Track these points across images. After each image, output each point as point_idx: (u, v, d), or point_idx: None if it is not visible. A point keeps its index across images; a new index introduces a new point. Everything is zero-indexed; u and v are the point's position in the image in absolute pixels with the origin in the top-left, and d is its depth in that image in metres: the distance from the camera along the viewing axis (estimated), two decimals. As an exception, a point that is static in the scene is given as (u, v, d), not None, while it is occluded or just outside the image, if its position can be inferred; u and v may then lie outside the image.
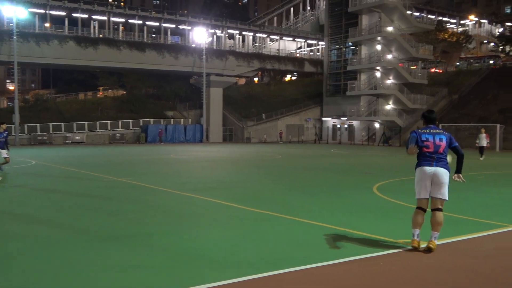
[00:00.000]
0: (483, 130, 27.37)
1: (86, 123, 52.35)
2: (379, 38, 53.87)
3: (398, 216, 9.12)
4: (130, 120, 54.85)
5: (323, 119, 63.26)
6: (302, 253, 6.43)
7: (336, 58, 62.74)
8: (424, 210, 6.65)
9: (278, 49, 67.84)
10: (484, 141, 26.74)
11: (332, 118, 61.71)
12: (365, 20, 55.94)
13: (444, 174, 6.49)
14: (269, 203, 10.62)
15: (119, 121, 54.19)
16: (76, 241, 7.04)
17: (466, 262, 6.14)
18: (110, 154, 30.44)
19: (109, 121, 53.70)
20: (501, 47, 67.88)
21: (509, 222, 8.55)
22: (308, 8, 76.09)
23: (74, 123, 51.69)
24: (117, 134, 52.69)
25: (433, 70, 67.45)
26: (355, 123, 58.19)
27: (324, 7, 67.74)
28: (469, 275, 5.59)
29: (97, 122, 53.04)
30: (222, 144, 51.21)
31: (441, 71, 67.88)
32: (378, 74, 55.30)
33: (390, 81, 54.97)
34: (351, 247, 6.75)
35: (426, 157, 6.56)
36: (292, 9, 77.75)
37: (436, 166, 6.49)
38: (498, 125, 40.85)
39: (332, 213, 9.54)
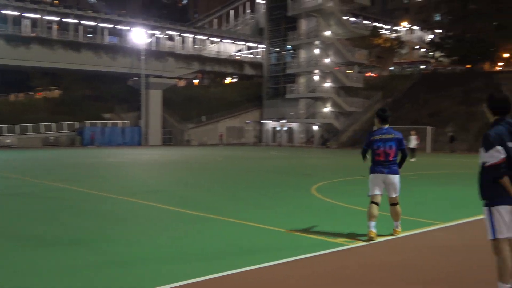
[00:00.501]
0: (412, 132, 28.51)
1: (17, 125, 49.90)
2: (317, 42, 55.00)
3: (335, 216, 9.29)
4: (65, 123, 52.85)
5: (263, 121, 63.73)
6: (239, 256, 6.37)
7: (275, 61, 63.46)
8: (378, 204, 7.36)
9: (218, 51, 67.67)
10: (413, 142, 27.81)
11: (272, 121, 62.30)
12: (304, 24, 56.95)
13: (394, 178, 7.36)
14: (210, 206, 10.53)
15: (53, 124, 52.08)
16: (9, 247, 6.65)
17: (398, 258, 6.33)
18: (44, 158, 29.21)
19: (42, 124, 51.48)
20: (432, 53, 71.44)
21: (440, 220, 8.92)
22: (248, 11, 76.47)
23: (5, 126, 49.14)
24: (51, 137, 50.62)
25: (368, 74, 69.76)
26: (294, 125, 59.04)
27: (263, 10, 68.35)
28: (399, 272, 5.75)
29: (30, 124, 50.70)
30: (161, 147, 50.43)
31: (376, 75, 70.37)
32: (316, 78, 56.47)
33: (328, 84, 56.28)
34: (288, 248, 6.77)
35: (377, 165, 7.37)
36: (232, 11, 77.86)
37: (388, 173, 7.32)
38: (429, 128, 42.83)
39: (271, 214, 9.57)
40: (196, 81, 79.98)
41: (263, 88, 64.31)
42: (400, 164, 7.47)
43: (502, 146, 4.36)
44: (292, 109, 56.95)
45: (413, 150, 27.62)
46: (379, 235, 7.38)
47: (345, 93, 55.85)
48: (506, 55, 66.72)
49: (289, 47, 59.92)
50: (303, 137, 57.43)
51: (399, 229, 7.70)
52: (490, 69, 62.69)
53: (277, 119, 61.01)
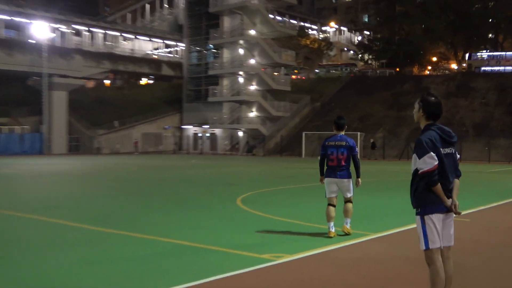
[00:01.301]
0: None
1: None
2: (241, 41, 55.47)
3: (263, 229, 9.32)
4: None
5: (183, 127, 63.20)
6: (155, 277, 6.19)
7: (196, 61, 63.25)
8: (334, 206, 8.71)
9: (133, 49, 66.41)
10: None
11: (193, 126, 61.91)
12: (226, 22, 57.25)
13: (346, 181, 8.61)
14: (123, 222, 10.20)
15: None
16: None
17: (331, 272, 6.43)
18: None
19: None
20: (360, 55, 74.42)
21: (372, 230, 9.20)
22: (166, 6, 75.66)
23: None
24: None
25: (294, 77, 71.36)
26: (217, 131, 59.06)
27: (183, 5, 67.96)
28: (332, 285, 5.83)
29: None
30: (67, 156, 48.51)
31: (304, 78, 72.14)
32: (241, 80, 56.89)
33: (253, 87, 56.85)
34: (211, 265, 6.67)
35: (331, 170, 8.61)
36: (148, 6, 76.72)
37: (340, 177, 8.56)
38: (359, 133, 44.45)
39: (193, 228, 9.44)
40: (107, 82, 77.87)
41: (183, 90, 63.85)
42: (357, 172, 8.66)
43: (435, 152, 4.49)
44: (215, 114, 56.96)
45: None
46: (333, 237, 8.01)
47: (271, 97, 56.72)
48: (434, 59, 71.10)
49: (211, 46, 59.96)
50: (227, 144, 57.55)
51: (348, 226, 8.75)
52: (419, 73, 66.48)
53: (199, 125, 60.72)
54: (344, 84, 62.75)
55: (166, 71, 67.80)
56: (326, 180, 8.72)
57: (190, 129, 62.59)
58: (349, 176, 8.62)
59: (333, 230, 8.58)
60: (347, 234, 8.69)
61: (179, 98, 64.48)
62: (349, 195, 8.70)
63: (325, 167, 8.71)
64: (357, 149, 25.39)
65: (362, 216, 10.79)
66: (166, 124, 62.54)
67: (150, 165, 32.75)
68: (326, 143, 8.66)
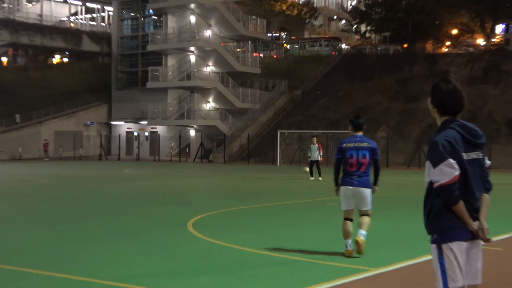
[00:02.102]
0: (314, 139, 30.08)
1: None
2: (192, 5, 55.44)
3: (222, 264, 9.28)
4: None
5: (112, 123, 62.70)
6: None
7: (130, 32, 62.96)
8: (351, 220, 9.62)
9: (41, 15, 65.57)
10: (315, 153, 29.35)
11: (126, 122, 61.50)
12: (172, -22, 57.25)
13: (364, 192, 9.51)
14: (25, 255, 10.05)
15: None
16: None
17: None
18: None
19: None
20: (355, 26, 74.93)
21: (370, 264, 9.25)
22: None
23: None
24: None
25: (264, 55, 71.47)
26: (160, 129, 59.03)
27: (112, -45, 67.52)
28: None
29: None
30: None
31: (277, 56, 72.27)
32: (192, 58, 56.80)
33: (209, 68, 56.83)
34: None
35: (348, 176, 9.54)
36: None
37: (358, 185, 9.46)
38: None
39: (123, 264, 9.37)
40: (4, 60, 76.59)
41: (112, 72, 63.40)
42: (376, 178, 9.78)
43: (455, 159, 4.41)
44: (156, 105, 56.69)
45: (316, 164, 29.22)
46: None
47: (235, 82, 56.84)
48: (454, 31, 71.57)
49: (150, 11, 59.68)
50: (174, 146, 57.30)
51: (362, 237, 9.55)
52: (434, 51, 67.13)
53: (134, 120, 60.29)
54: (333, 66, 63.27)
55: (88, 45, 67.18)
56: (342, 188, 9.62)
57: (122, 127, 62.07)
58: (370, 185, 9.59)
59: (350, 248, 9.54)
60: (357, 244, 9.52)
61: (107, 84, 64.07)
62: (365, 208, 9.64)
63: (341, 174, 9.69)
64: (319, 153, 26.03)
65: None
66: (88, 119, 62.01)
67: (66, 176, 32.39)
68: (343, 145, 9.64)
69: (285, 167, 44.63)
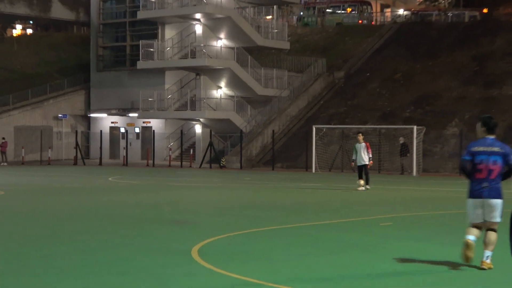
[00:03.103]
0: (360, 136, 29.72)
1: None
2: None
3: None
4: None
5: (91, 116, 62.84)
6: None
7: (116, -5, 63.07)
8: (476, 236, 10.78)
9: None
10: (364, 155, 29.07)
11: (110, 115, 61.61)
12: None
13: (495, 203, 10.61)
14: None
15: None
16: None
17: None
18: None
19: None
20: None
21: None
22: None
23: None
24: None
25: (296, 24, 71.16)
26: (156, 124, 59.26)
27: None
28: None
29: None
30: None
31: (315, 26, 71.94)
32: (198, 29, 56.66)
33: (221, 42, 56.70)
34: None
35: (476, 185, 10.71)
36: None
37: (487, 197, 10.60)
38: (415, 127, 44.42)
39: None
40: None
41: (92, 48, 63.52)
42: (504, 177, 10.77)
43: None
44: (150, 92, 56.77)
45: (364, 169, 29.01)
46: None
47: (255, 61, 56.77)
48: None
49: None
50: (174, 147, 57.26)
51: (488, 261, 10.63)
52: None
53: (121, 112, 60.39)
54: (387, 38, 62.88)
55: (59, 12, 67.45)
56: (468, 201, 10.82)
57: (105, 121, 62.17)
58: (501, 195, 10.66)
59: (488, 260, 10.73)
60: (483, 269, 10.65)
61: (84, 63, 64.31)
62: (493, 220, 10.68)
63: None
64: (368, 155, 26.23)
65: (416, 283, 10.68)
66: (60, 111, 62.21)
67: (30, 187, 32.35)
68: (473, 148, 10.79)
69: (322, 174, 44.41)
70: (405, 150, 44.75)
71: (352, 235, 16.14)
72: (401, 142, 45.17)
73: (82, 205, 23.92)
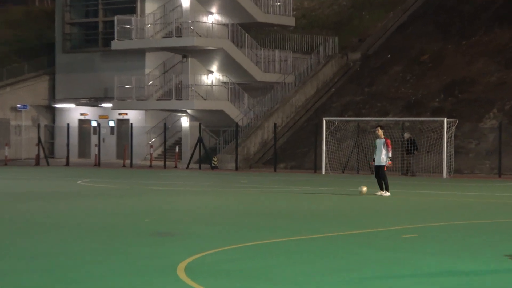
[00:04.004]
0: (379, 130, 29.71)
1: None
2: None
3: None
4: None
5: (57, 106, 62.79)
6: None
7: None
8: None
9: None
10: (382, 153, 29.07)
11: (79, 105, 61.55)
12: None
13: None
14: None
15: None
16: None
17: None
18: None
19: None
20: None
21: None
22: None
23: None
24: None
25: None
26: (134, 116, 59.45)
27: None
28: None
29: None
30: None
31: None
32: (185, 2, 56.51)
33: (213, 18, 56.62)
34: None
35: None
36: None
37: None
38: (445, 119, 44.39)
39: None
40: None
41: (56, 25, 63.56)
42: None
43: None
44: (127, 78, 56.75)
45: (380, 171, 29.13)
46: None
47: (254, 41, 56.87)
48: None
49: None
50: (157, 144, 57.19)
51: None
52: None
53: (92, 102, 60.35)
54: (412, 13, 62.71)
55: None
56: None
57: (73, 112, 62.18)
58: None
59: None
60: None
61: (48, 44, 64.32)
62: None
63: None
64: (387, 154, 26.49)
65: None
66: (18, 100, 62.15)
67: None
68: None
69: (334, 176, 44.39)
70: (411, 146, 45.10)
71: (369, 249, 16.07)
72: (406, 138, 45.20)
73: (44, 214, 23.89)
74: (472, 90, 50.96)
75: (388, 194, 29.06)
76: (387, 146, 29.00)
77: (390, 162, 29.79)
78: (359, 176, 44.15)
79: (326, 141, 47.26)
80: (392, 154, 30.75)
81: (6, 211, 24.54)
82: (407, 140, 45.36)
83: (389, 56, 57.68)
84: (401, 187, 34.02)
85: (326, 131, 47.22)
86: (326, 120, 47.70)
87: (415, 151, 45.04)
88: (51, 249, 16.50)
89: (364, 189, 29.39)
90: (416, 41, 57.91)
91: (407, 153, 45.45)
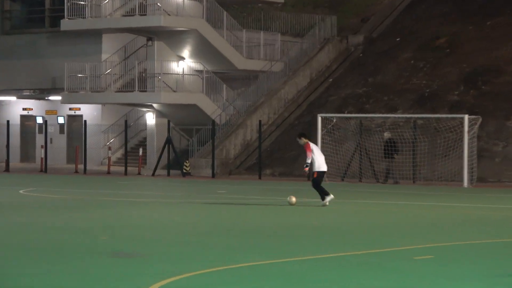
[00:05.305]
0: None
1: None
2: None
3: None
4: None
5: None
6: None
7: None
8: None
9: None
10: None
11: (21, 98, 61.57)
12: None
13: None
14: None
15: None
16: None
17: None
18: None
19: None
20: None
21: None
22: None
23: None
24: None
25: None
26: (88, 112, 59.71)
27: None
28: None
29: None
30: None
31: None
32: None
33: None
34: None
35: None
36: None
37: None
38: (466, 116, 44.58)
39: None
40: None
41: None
42: None
43: None
44: (80, 65, 56.68)
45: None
46: None
47: (234, 21, 56.98)
48: None
49: None
50: (116, 145, 57.19)
51: None
52: None
53: (38, 94, 60.33)
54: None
55: None
56: None
57: (14, 106, 62.33)
58: None
59: None
60: None
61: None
62: None
63: None
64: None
65: None
66: None
67: None
68: None
69: (332, 185, 44.46)
70: (391, 149, 45.41)
71: (374, 273, 16.12)
72: (386, 138, 45.37)
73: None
74: (497, 81, 51.16)
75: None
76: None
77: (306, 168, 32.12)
78: (361, 185, 44.24)
79: (322, 142, 47.34)
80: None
81: None
82: (387, 141, 45.79)
83: (398, 39, 57.87)
84: (413, 198, 34.13)
85: (322, 130, 47.31)
86: (321, 117, 47.79)
87: (395, 155, 45.49)
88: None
89: (294, 199, 30.72)
90: (430, 22, 58.16)
91: (385, 157, 45.87)
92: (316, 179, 31.67)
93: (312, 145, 32.47)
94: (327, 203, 30.64)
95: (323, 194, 30.91)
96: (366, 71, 55.82)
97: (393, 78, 54.35)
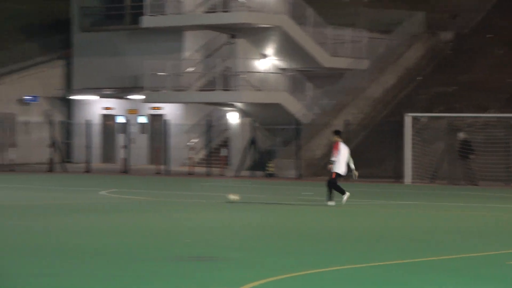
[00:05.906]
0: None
1: None
2: None
3: None
4: None
5: (73, 98, 63.17)
6: None
7: None
8: None
9: None
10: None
11: (102, 97, 61.82)
12: None
13: None
14: None
15: None
16: None
17: None
18: None
19: None
20: None
21: None
22: None
23: None
24: None
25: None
26: (169, 110, 59.98)
27: None
28: None
29: None
30: None
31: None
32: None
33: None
34: None
35: None
36: None
37: None
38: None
39: None
40: None
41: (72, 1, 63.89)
42: None
43: None
44: (161, 64, 56.81)
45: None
46: None
47: (319, 17, 56.95)
48: None
49: None
50: (198, 145, 57.33)
51: None
52: None
53: (118, 93, 60.62)
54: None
55: None
56: None
57: (94, 106, 62.58)
58: None
59: None
60: None
61: (62, 20, 64.86)
62: None
63: None
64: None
65: None
66: (26, 91, 62.80)
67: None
68: None
69: (421, 187, 44.26)
70: (466, 149, 44.95)
71: (465, 279, 16.09)
72: (461, 138, 44.87)
73: (49, 233, 23.87)
74: None
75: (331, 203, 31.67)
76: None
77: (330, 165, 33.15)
78: (452, 188, 43.97)
79: (412, 142, 47.10)
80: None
81: (15, 228, 24.66)
82: (462, 142, 45.40)
83: (490, 36, 57.47)
84: (509, 201, 33.85)
85: (411, 129, 47.07)
86: (410, 117, 47.59)
87: (471, 156, 45.12)
88: (57, 276, 16.65)
89: (232, 197, 31.98)
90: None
91: (460, 157, 45.45)
92: (333, 180, 33.05)
93: (341, 146, 33.53)
94: (333, 203, 32.03)
95: (340, 192, 32.68)
96: (456, 69, 55.51)
97: (485, 76, 54.01)
